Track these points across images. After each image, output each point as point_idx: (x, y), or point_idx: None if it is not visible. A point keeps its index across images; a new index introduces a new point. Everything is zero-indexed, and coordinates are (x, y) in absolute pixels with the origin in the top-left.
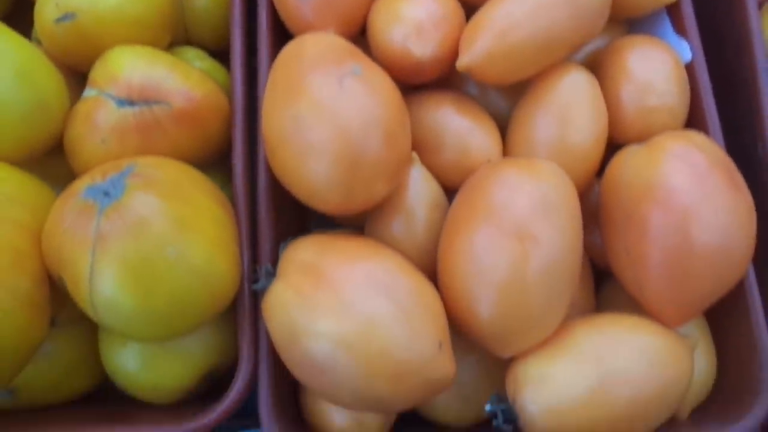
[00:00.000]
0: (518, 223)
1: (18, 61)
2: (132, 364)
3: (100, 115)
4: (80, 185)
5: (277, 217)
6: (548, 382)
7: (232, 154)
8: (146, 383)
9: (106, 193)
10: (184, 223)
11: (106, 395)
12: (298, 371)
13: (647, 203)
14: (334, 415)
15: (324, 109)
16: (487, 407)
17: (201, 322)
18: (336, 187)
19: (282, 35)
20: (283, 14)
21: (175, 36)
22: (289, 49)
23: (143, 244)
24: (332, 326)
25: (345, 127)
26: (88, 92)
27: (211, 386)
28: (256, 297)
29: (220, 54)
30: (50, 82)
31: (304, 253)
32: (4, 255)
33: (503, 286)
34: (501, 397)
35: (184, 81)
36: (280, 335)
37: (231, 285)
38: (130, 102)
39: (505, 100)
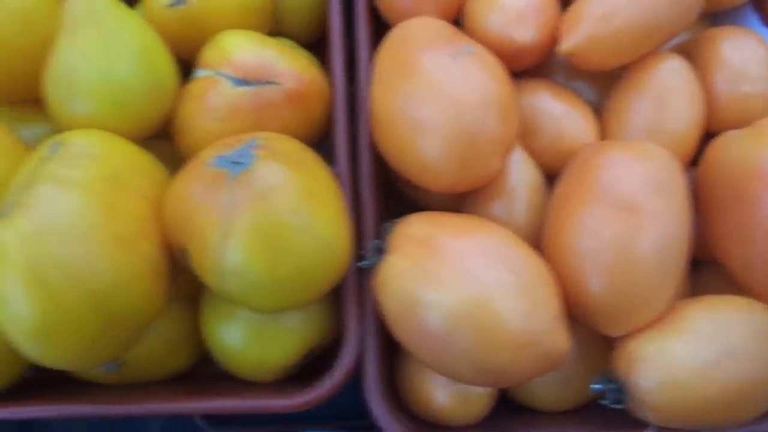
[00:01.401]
0: (629, 200)
1: (140, 41)
2: (238, 340)
3: (215, 95)
4: (206, 157)
5: (380, 198)
6: (663, 359)
7: (334, 136)
8: (251, 359)
9: (237, 162)
10: (311, 192)
11: (193, 376)
12: (413, 343)
13: (758, 182)
14: (437, 393)
15: (439, 85)
16: (595, 386)
17: (321, 294)
18: (451, 164)
19: (378, 24)
20: (382, 3)
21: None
22: (397, 33)
23: (275, 211)
24: (452, 295)
25: (462, 102)
26: (201, 73)
27: (302, 369)
28: (361, 274)
29: (308, 47)
30: (166, 62)
31: (418, 227)
32: (133, 222)
33: (615, 264)
34: (610, 376)
35: (293, 64)
36: (396, 307)
37: (348, 258)
38: (245, 81)
39: (592, 90)
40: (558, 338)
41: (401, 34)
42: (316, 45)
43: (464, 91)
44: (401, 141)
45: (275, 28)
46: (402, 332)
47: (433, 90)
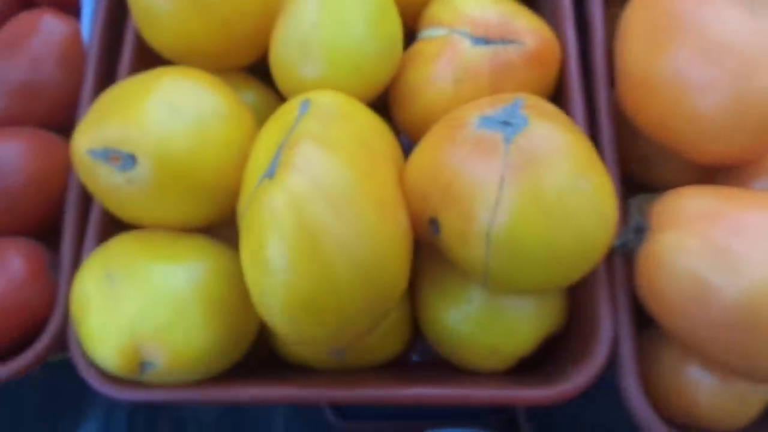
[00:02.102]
0: None
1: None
2: (470, 324)
3: (453, 55)
4: (464, 118)
5: (622, 170)
6: None
7: (568, 101)
8: (484, 346)
9: (507, 123)
10: (585, 155)
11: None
12: (701, 335)
13: None
14: (708, 392)
15: (728, 41)
16: None
17: (589, 271)
18: (739, 129)
19: None
20: None
21: None
22: None
23: (557, 175)
24: (759, 277)
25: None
26: (434, 31)
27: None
28: (610, 255)
29: None
30: (396, 22)
31: (698, 201)
32: (390, 187)
33: None
34: None
35: (531, 21)
36: (679, 292)
37: (615, 232)
38: (486, 40)
39: None
40: None
41: None
42: None
43: (756, 47)
44: (670, 105)
45: None
46: (686, 322)
47: (718, 47)
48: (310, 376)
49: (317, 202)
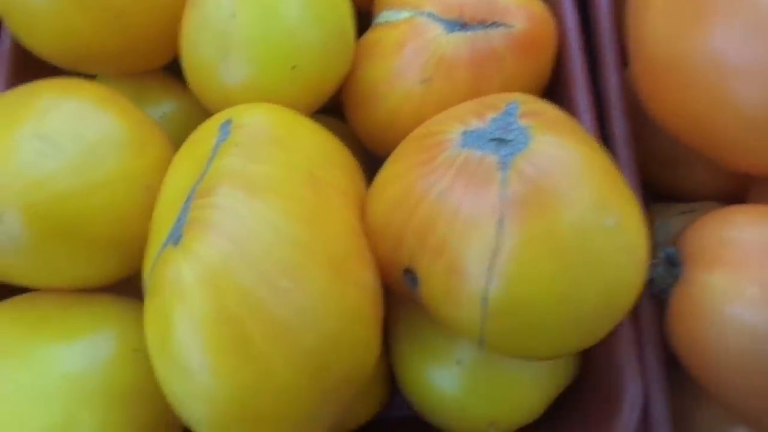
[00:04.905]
0: None
1: None
2: (459, 389)
3: (420, 44)
4: (442, 133)
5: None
6: None
7: (570, 93)
8: (475, 416)
9: (501, 140)
10: (607, 177)
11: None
12: (764, 403)
13: None
14: None
15: None
16: None
17: (615, 324)
18: None
19: None
20: None
21: None
22: None
23: (577, 209)
24: None
25: None
26: (394, 14)
27: None
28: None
29: None
30: (345, 2)
31: (755, 230)
32: (343, 236)
33: None
34: None
35: None
36: (735, 351)
37: (645, 274)
38: (462, 24)
39: None
40: None
41: None
42: None
43: None
44: (706, 96)
45: None
46: (737, 386)
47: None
48: None
49: (241, 274)
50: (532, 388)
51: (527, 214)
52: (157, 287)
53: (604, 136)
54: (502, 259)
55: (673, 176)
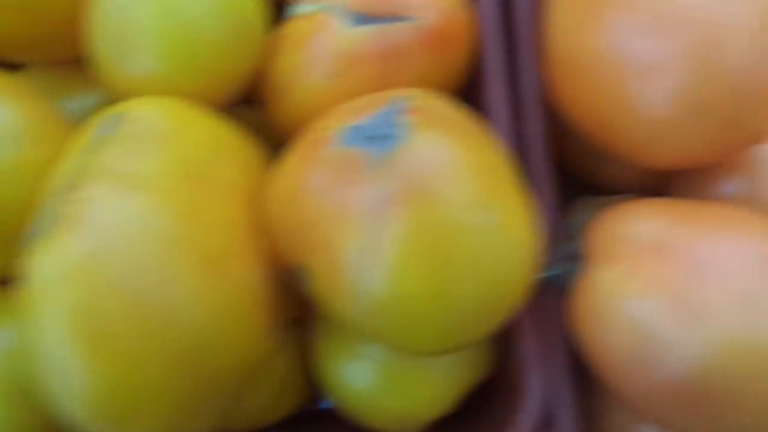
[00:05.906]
0: None
1: None
2: (371, 384)
3: (327, 38)
4: (328, 130)
5: (556, 177)
6: None
7: (486, 90)
8: (389, 410)
9: (381, 137)
10: (489, 176)
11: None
12: (658, 399)
13: None
14: None
15: (684, 7)
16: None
17: (502, 322)
18: (699, 123)
19: None
20: None
21: None
22: None
23: (447, 208)
24: (719, 333)
25: (717, 32)
26: (302, 8)
27: None
28: (539, 289)
29: None
30: None
31: (645, 224)
32: (223, 232)
33: None
34: None
35: None
36: (626, 346)
37: (535, 266)
38: (368, 18)
39: None
40: None
41: None
42: None
43: (722, 16)
44: (606, 93)
45: None
46: (632, 383)
47: (671, 16)
48: None
49: (107, 269)
50: (441, 383)
51: (400, 211)
52: (25, 281)
53: (521, 134)
54: (377, 257)
55: (599, 170)
